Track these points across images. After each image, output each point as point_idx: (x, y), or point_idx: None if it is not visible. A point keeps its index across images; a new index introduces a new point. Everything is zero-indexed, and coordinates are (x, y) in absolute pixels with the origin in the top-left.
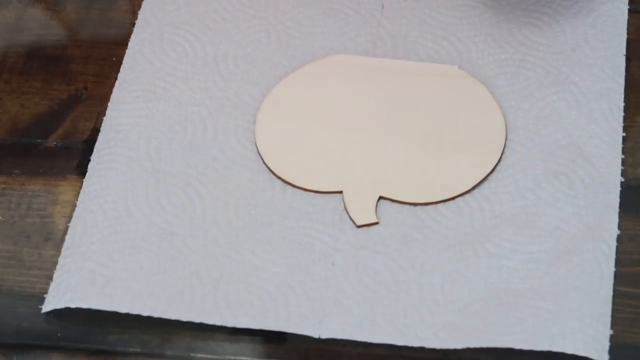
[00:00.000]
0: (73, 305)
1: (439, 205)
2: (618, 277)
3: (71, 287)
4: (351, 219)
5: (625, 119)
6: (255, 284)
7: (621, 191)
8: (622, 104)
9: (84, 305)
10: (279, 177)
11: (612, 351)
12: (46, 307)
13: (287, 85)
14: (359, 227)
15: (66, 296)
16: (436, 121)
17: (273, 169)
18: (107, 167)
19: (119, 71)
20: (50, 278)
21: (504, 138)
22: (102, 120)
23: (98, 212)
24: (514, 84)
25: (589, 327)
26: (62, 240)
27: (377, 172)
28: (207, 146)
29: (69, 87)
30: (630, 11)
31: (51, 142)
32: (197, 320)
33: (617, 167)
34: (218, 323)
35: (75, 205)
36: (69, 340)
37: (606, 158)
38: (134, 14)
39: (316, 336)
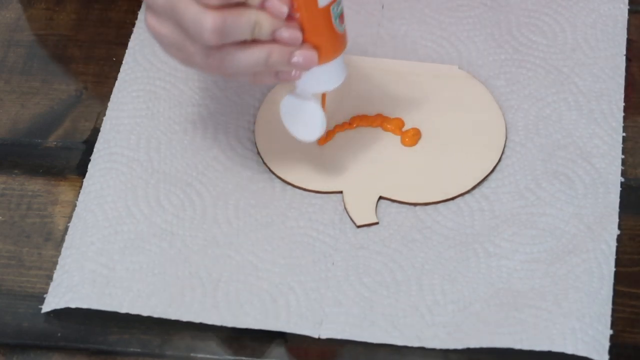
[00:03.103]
0: (73, 305)
1: (439, 205)
2: (618, 277)
3: (71, 287)
4: (351, 219)
5: (625, 119)
6: (255, 284)
7: (621, 191)
8: (622, 104)
9: (84, 305)
10: (279, 177)
11: (612, 351)
12: (46, 307)
13: (287, 85)
14: (359, 227)
15: (66, 296)
16: (436, 121)
17: (273, 169)
18: (107, 167)
19: (119, 71)
20: (50, 278)
21: (504, 138)
22: (102, 120)
23: (98, 212)
24: (514, 84)
25: (589, 327)
26: (62, 240)
27: (377, 172)
28: (207, 146)
29: (69, 87)
30: (630, 11)
31: (51, 142)
32: (197, 320)
33: (617, 167)
34: (218, 323)
35: (75, 205)
36: (69, 340)
37: (606, 158)
38: (134, 14)
39: (316, 336)
